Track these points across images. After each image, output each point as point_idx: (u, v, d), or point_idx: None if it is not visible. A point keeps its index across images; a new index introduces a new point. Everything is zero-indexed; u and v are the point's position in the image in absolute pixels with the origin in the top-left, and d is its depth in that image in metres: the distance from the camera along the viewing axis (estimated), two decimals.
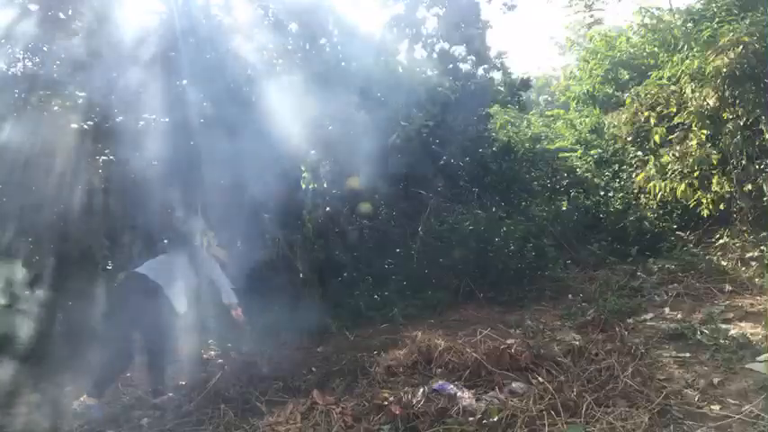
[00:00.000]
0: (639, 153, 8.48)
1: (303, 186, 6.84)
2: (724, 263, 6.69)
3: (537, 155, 9.22)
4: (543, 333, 5.27)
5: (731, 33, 6.38)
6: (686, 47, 7.81)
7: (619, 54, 10.16)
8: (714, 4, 7.62)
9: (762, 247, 6.59)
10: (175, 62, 5.45)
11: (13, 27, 5.67)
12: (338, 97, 5.54)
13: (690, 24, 8.04)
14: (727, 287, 5.91)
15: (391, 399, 3.57)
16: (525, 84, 8.50)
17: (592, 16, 11.14)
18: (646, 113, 7.76)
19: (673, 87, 7.62)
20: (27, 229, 5.78)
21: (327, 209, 7.14)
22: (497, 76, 8.29)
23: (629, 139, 8.40)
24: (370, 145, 5.76)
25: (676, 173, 7.34)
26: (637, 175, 8.20)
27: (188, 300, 4.72)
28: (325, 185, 6.95)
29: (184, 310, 4.66)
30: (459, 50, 7.98)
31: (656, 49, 9.43)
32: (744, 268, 6.39)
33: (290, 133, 6.07)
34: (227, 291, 4.89)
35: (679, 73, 7.44)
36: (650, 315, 5.49)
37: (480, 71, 8.08)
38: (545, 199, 8.84)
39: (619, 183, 9.35)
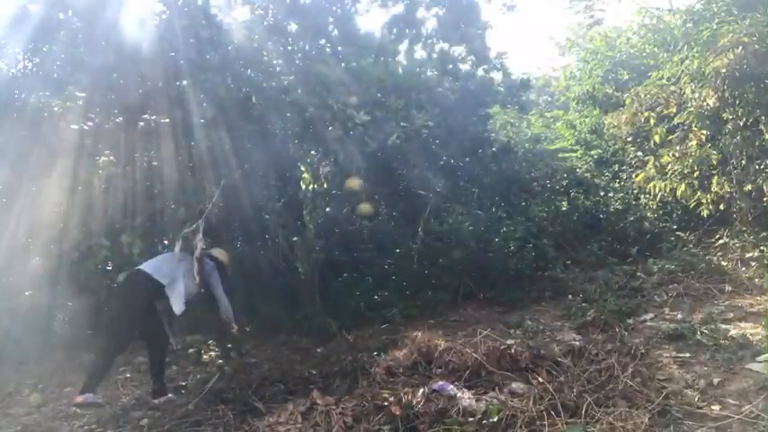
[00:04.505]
0: (639, 153, 8.48)
1: (303, 186, 6.84)
2: (724, 263, 6.69)
3: (537, 155, 9.22)
4: (543, 333, 5.27)
5: (731, 34, 6.37)
6: (686, 47, 7.80)
7: (619, 54, 10.16)
8: (714, 5, 7.61)
9: (762, 247, 6.59)
10: (175, 62, 5.44)
11: (14, 27, 5.68)
12: (338, 98, 5.53)
13: (690, 25, 8.03)
14: (727, 287, 5.91)
15: (391, 399, 3.56)
16: (525, 84, 8.48)
17: (592, 17, 11.14)
18: (646, 114, 7.75)
19: (673, 88, 7.61)
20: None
21: (327, 209, 7.13)
22: (497, 76, 8.28)
23: (629, 139, 8.40)
24: (370, 145, 5.76)
25: (676, 173, 7.34)
26: (637, 176, 8.20)
27: (187, 299, 4.72)
28: (325, 186, 6.95)
29: (182, 309, 4.65)
30: (459, 51, 7.98)
31: (655, 49, 9.42)
32: (744, 268, 6.39)
33: (291, 134, 6.07)
34: (225, 305, 4.87)
35: (679, 73, 7.43)
36: (650, 315, 5.49)
37: (480, 71, 8.07)
38: (545, 199, 8.84)
39: (619, 183, 9.35)
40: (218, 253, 5.14)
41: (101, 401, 4.39)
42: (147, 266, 4.69)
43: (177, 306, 4.61)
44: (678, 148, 7.28)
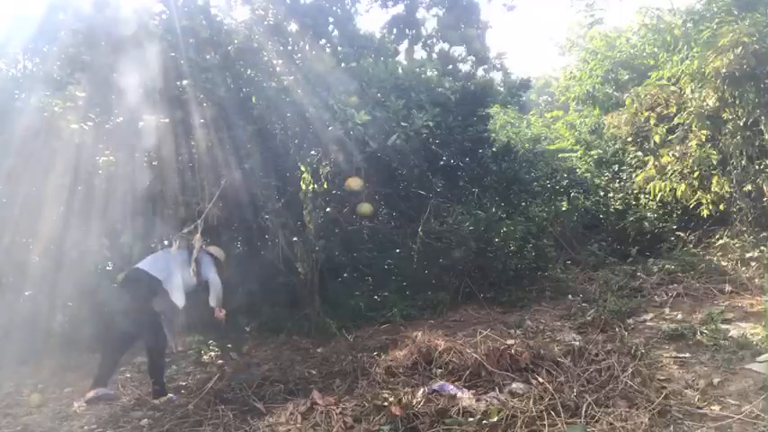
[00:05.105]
0: (639, 153, 8.47)
1: (303, 186, 6.84)
2: (724, 263, 6.69)
3: (537, 155, 9.22)
4: (543, 333, 5.27)
5: (731, 34, 6.37)
6: (686, 47, 7.80)
7: (619, 54, 10.15)
8: (714, 5, 7.61)
9: (762, 247, 6.58)
10: (175, 62, 5.44)
11: (14, 27, 5.68)
12: (338, 98, 5.53)
13: (690, 25, 8.03)
14: (727, 287, 5.91)
15: (391, 399, 3.56)
16: (525, 84, 8.47)
17: (592, 16, 11.10)
18: (646, 113, 7.75)
19: (673, 88, 7.61)
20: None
21: (327, 209, 7.13)
22: (497, 76, 8.28)
23: (629, 139, 8.40)
24: (370, 145, 5.76)
25: (676, 173, 7.34)
26: (637, 176, 8.20)
27: (186, 295, 4.73)
28: (325, 186, 6.94)
29: (183, 304, 4.67)
30: (459, 51, 7.98)
31: (656, 49, 9.42)
32: (744, 268, 6.39)
33: (291, 134, 6.07)
34: (217, 289, 4.89)
35: (679, 73, 7.43)
36: (650, 315, 5.50)
37: (480, 72, 8.07)
38: (545, 199, 8.85)
39: (619, 183, 9.35)
40: (214, 250, 5.19)
41: (113, 393, 4.49)
42: (142, 264, 4.72)
43: (178, 299, 4.63)
44: (678, 148, 7.28)
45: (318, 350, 5.64)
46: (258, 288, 6.74)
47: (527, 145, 9.42)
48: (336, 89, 5.61)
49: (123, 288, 4.89)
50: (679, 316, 5.34)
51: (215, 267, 4.99)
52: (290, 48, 6.40)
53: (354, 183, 6.14)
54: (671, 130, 7.59)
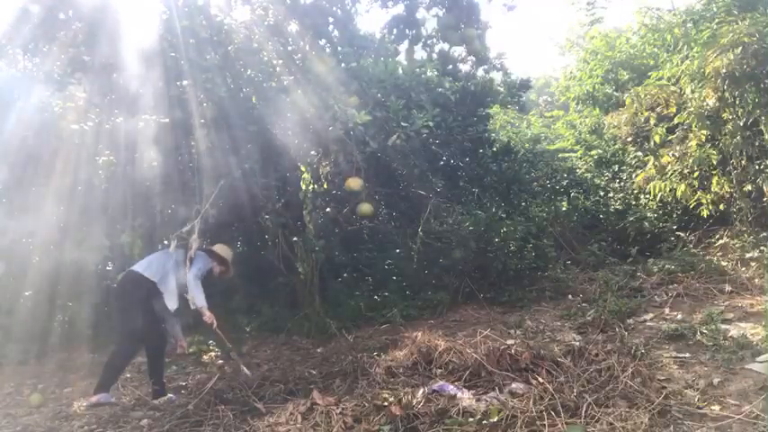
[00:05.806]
0: (639, 153, 8.48)
1: (303, 186, 6.84)
2: (724, 263, 6.68)
3: (537, 155, 9.23)
4: (543, 333, 5.27)
5: (731, 34, 6.37)
6: (686, 47, 7.80)
7: (619, 54, 10.15)
8: (714, 5, 7.61)
9: (762, 247, 6.58)
10: (175, 62, 5.44)
11: (14, 27, 5.68)
12: (338, 98, 5.53)
13: (690, 25, 8.03)
14: (727, 287, 5.90)
15: (391, 399, 3.56)
16: (525, 84, 8.49)
17: (593, 14, 11.09)
18: (646, 113, 7.75)
19: (672, 88, 7.61)
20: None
21: (327, 209, 7.13)
22: (497, 76, 8.30)
23: (629, 139, 8.40)
24: (370, 145, 5.76)
25: (676, 173, 7.34)
26: (637, 176, 8.20)
27: (181, 293, 4.71)
28: (325, 186, 6.95)
29: (175, 308, 4.65)
30: (459, 51, 8.00)
31: (656, 49, 9.42)
32: (744, 268, 6.38)
33: (291, 134, 6.07)
34: (192, 291, 4.67)
35: (679, 73, 7.43)
36: (650, 315, 5.49)
37: (480, 72, 8.10)
38: (545, 199, 8.85)
39: (619, 183, 9.35)
40: (220, 249, 5.12)
41: (114, 400, 4.44)
42: (137, 266, 4.71)
43: (171, 303, 4.62)
44: (678, 148, 7.27)
45: (318, 350, 5.65)
46: (258, 288, 6.74)
47: (527, 145, 9.44)
48: (336, 89, 5.61)
49: (118, 290, 4.88)
50: (679, 316, 5.34)
51: (202, 266, 4.83)
52: (290, 48, 6.41)
53: (354, 183, 6.14)
54: (671, 130, 7.58)
